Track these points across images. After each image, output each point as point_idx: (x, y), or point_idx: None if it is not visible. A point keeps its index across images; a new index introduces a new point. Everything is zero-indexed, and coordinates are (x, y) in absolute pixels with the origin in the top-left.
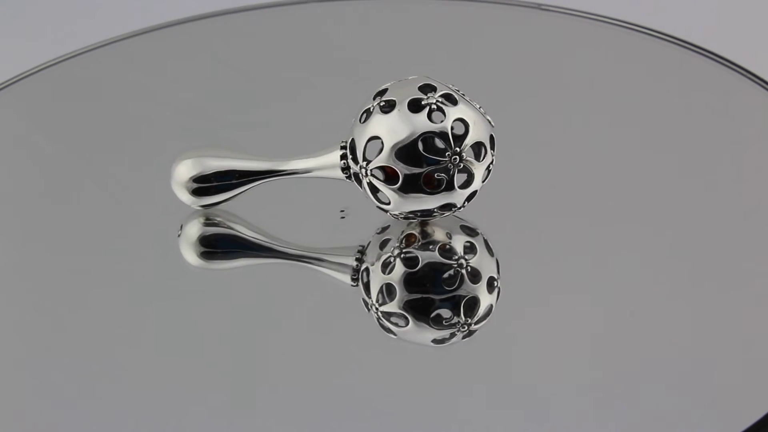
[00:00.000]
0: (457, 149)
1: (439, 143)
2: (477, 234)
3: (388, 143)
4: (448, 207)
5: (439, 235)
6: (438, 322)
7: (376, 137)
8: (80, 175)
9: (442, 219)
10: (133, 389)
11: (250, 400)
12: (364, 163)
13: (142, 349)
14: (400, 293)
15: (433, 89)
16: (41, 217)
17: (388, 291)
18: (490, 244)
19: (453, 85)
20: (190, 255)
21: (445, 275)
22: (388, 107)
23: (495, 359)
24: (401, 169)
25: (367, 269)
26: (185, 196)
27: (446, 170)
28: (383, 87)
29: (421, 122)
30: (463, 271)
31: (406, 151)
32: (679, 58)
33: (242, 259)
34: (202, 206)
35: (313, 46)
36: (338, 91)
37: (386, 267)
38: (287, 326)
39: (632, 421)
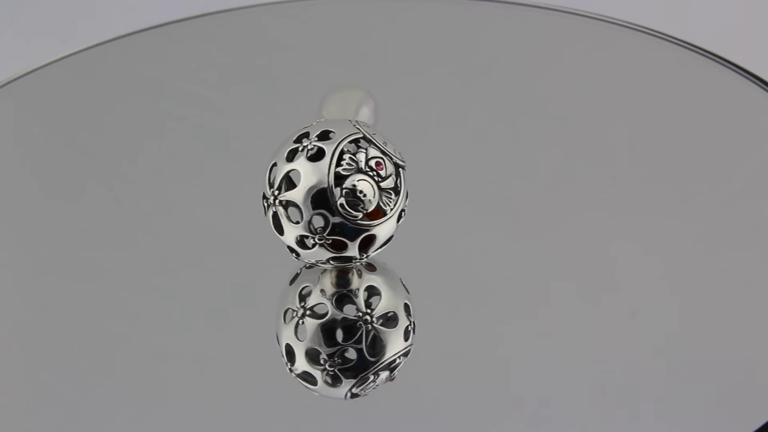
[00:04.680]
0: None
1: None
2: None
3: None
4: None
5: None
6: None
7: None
8: (81, 173)
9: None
10: (141, 392)
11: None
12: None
13: (143, 349)
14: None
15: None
16: (41, 216)
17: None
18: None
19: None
20: None
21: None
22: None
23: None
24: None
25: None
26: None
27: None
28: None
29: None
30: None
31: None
32: (679, 58)
33: None
34: None
35: (314, 44)
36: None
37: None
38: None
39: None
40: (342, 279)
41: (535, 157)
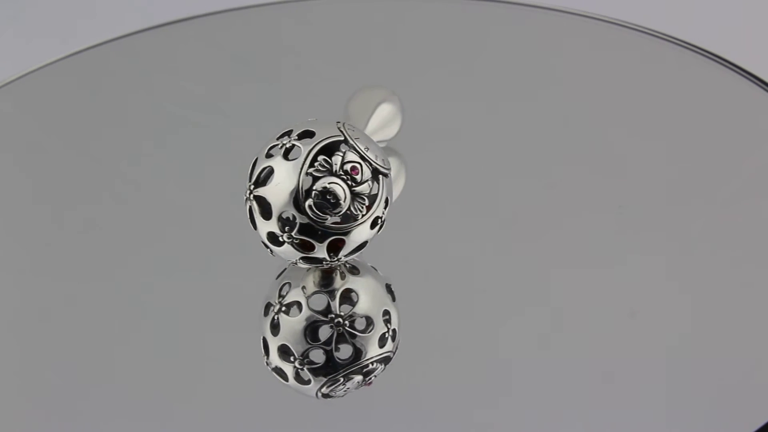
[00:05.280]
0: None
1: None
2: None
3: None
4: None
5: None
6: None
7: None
8: (80, 174)
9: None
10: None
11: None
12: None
13: (142, 350)
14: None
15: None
16: (41, 217)
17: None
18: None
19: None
20: None
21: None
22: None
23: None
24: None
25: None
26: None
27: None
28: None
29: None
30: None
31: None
32: (680, 58)
33: None
34: None
35: (315, 45)
36: (340, 88)
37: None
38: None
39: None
40: (325, 279)
41: (535, 157)
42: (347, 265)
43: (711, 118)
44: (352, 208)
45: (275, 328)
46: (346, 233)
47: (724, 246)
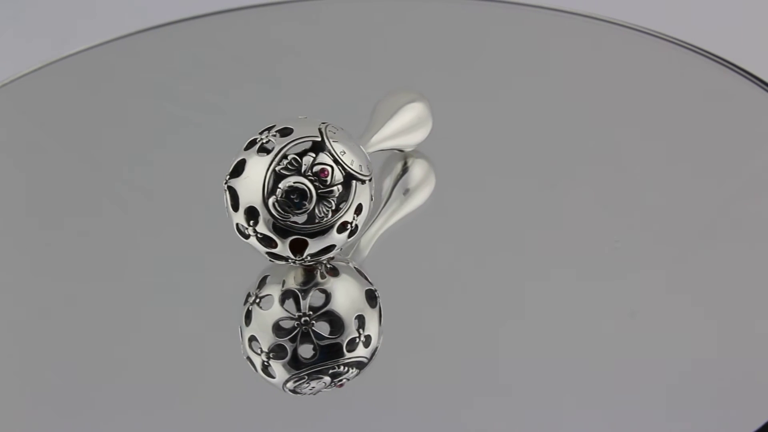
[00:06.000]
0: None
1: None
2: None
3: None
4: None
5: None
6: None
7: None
8: (80, 174)
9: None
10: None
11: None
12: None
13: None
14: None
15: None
16: (41, 217)
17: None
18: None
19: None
20: None
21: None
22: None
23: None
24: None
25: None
26: None
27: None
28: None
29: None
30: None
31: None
32: (680, 58)
33: None
34: None
35: (316, 45)
36: (342, 88)
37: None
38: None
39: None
40: (306, 277)
41: (535, 157)
42: (328, 266)
43: (711, 119)
44: (317, 210)
45: (248, 318)
46: (309, 234)
47: (724, 245)
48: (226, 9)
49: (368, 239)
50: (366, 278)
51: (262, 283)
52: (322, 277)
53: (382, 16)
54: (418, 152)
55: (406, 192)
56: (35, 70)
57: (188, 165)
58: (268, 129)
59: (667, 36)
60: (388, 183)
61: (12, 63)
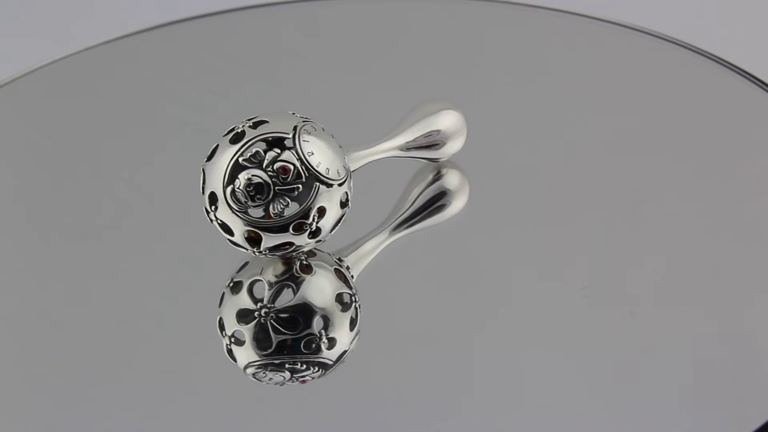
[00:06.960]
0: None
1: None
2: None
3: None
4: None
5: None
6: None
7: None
8: (79, 174)
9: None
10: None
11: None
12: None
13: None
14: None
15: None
16: (40, 217)
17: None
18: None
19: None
20: None
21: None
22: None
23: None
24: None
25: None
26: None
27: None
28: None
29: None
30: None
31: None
32: (680, 59)
33: None
34: None
35: (317, 46)
36: (342, 88)
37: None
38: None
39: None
40: (283, 268)
41: (534, 157)
42: (305, 263)
43: (711, 119)
44: (271, 207)
45: (221, 300)
46: (264, 229)
47: (725, 246)
48: (227, 9)
49: (373, 246)
50: (347, 282)
51: (242, 268)
52: (296, 273)
53: (382, 16)
54: (450, 162)
55: (432, 202)
56: (35, 70)
57: (188, 165)
58: (250, 119)
59: (667, 36)
60: (415, 192)
61: (12, 63)
